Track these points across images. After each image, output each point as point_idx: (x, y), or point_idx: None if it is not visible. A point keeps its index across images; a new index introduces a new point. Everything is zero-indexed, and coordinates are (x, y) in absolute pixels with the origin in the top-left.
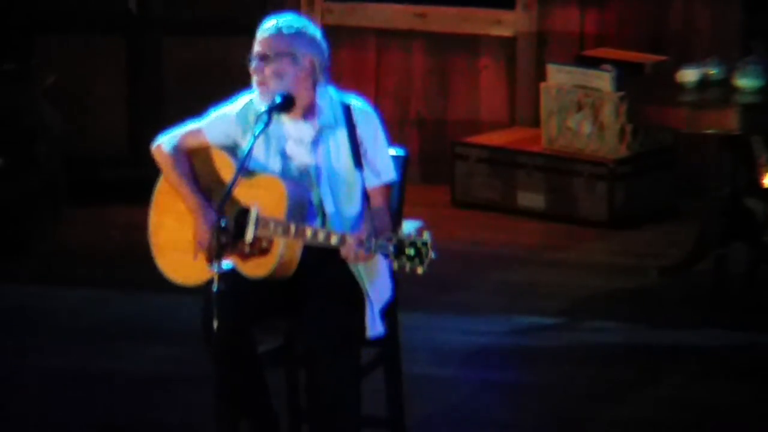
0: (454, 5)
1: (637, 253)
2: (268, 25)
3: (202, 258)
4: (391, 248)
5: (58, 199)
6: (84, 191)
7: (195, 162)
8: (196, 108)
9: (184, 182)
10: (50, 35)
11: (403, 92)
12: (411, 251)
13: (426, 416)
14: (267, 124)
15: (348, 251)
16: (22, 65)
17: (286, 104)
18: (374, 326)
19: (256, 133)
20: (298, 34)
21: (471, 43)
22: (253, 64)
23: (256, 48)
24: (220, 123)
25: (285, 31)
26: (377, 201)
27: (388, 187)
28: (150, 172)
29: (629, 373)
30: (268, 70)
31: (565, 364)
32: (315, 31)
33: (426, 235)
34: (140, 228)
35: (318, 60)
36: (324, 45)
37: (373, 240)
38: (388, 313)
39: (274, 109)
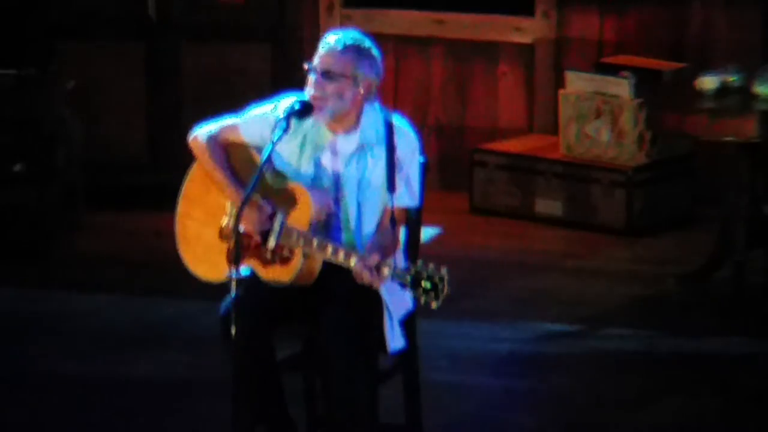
0: (473, 12)
1: (655, 261)
2: (333, 41)
3: (224, 255)
4: (408, 278)
5: (77, 205)
6: (103, 197)
7: (233, 160)
8: (215, 114)
9: (221, 172)
10: (70, 41)
11: (422, 99)
12: (427, 285)
13: (444, 424)
14: (285, 131)
15: (361, 273)
16: (42, 71)
17: (305, 111)
18: (394, 339)
19: (275, 140)
20: (362, 56)
21: (490, 50)
22: (313, 78)
23: (319, 62)
24: (257, 123)
25: (351, 51)
26: (400, 220)
27: (410, 209)
28: (169, 177)
29: (648, 380)
30: (330, 88)
31: (583, 372)
32: (377, 53)
33: (444, 271)
34: (159, 233)
35: (375, 83)
36: (381, 67)
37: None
38: (407, 322)
39: (293, 115)
